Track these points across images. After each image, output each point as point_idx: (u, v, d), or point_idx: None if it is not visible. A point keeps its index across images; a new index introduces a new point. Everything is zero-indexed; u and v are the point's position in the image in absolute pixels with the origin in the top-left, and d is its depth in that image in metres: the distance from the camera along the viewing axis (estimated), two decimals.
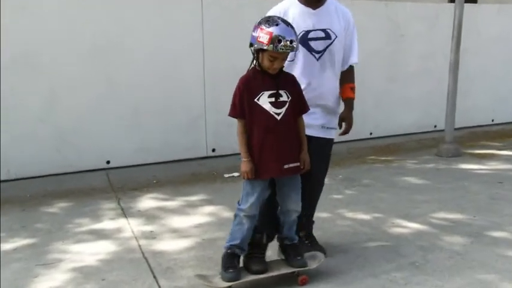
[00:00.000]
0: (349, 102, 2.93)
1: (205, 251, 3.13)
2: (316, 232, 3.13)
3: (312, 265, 2.69)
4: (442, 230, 3.39)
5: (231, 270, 2.55)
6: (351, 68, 2.94)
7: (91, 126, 5.23)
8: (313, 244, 2.97)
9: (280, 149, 2.52)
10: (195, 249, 3.18)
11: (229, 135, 5.74)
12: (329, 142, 2.93)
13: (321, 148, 2.85)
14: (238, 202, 2.60)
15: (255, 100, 2.49)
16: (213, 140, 5.77)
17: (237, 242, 2.59)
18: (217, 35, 5.61)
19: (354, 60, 2.92)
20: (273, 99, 2.49)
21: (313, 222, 3.07)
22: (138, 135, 5.45)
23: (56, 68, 5.00)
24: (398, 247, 3.11)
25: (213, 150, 5.81)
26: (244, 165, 2.52)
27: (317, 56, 2.77)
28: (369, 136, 6.72)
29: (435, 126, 7.11)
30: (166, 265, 2.94)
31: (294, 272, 2.66)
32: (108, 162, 5.36)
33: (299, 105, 2.59)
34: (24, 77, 4.90)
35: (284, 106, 2.51)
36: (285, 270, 2.64)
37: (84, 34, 5.07)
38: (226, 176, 4.99)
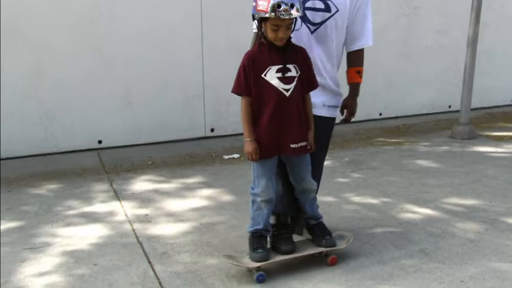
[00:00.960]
0: (354, 88, 2.87)
1: (203, 236, 3.15)
2: None
3: (341, 245, 2.73)
4: (454, 216, 3.40)
5: (260, 250, 2.58)
6: (360, 50, 2.85)
7: (81, 103, 5.21)
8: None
9: (289, 127, 2.52)
10: (192, 233, 3.20)
11: (228, 114, 5.75)
12: (331, 121, 2.91)
13: (323, 127, 2.84)
14: (251, 187, 2.63)
15: (262, 76, 2.48)
16: (212, 119, 5.76)
17: (260, 226, 2.63)
18: (217, 6, 5.54)
19: (365, 42, 2.81)
20: (280, 74, 2.48)
21: (317, 206, 3.07)
22: (132, 113, 5.44)
23: (42, 40, 4.96)
24: (408, 233, 3.13)
25: (212, 130, 5.80)
26: (248, 145, 2.53)
27: (312, 28, 2.69)
28: (379, 117, 6.69)
29: (450, 107, 7.08)
30: (161, 250, 2.96)
31: (322, 253, 2.71)
32: (99, 141, 5.36)
33: (308, 80, 2.58)
34: (7, 50, 4.86)
35: (293, 82, 2.51)
36: (313, 250, 2.70)
37: (72, 4, 5.00)
38: (225, 157, 5.00)
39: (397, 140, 5.64)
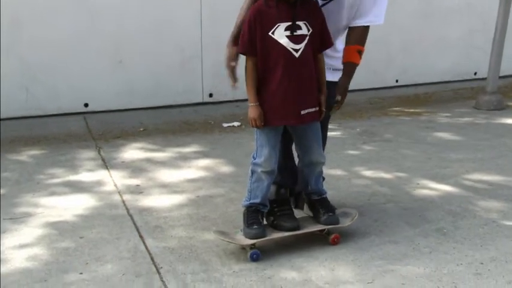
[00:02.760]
0: (349, 67, 2.69)
1: (200, 209, 3.17)
2: (329, 191, 3.10)
3: (345, 223, 2.74)
4: (476, 194, 3.40)
5: (255, 227, 2.58)
6: (366, 27, 2.70)
7: (66, 62, 5.17)
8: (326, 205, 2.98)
9: (299, 92, 2.50)
10: (187, 206, 3.21)
11: (229, 78, 5.69)
12: (335, 86, 2.85)
13: (329, 92, 2.80)
14: (253, 156, 2.62)
15: (270, 34, 2.44)
16: (210, 84, 5.73)
17: (257, 200, 2.63)
18: None
19: (373, 19, 2.65)
20: (289, 33, 2.43)
21: (322, 178, 3.07)
22: (122, 74, 5.40)
23: None
24: (424, 211, 3.13)
25: (210, 95, 5.78)
26: (253, 110, 2.51)
27: (321, 2, 2.63)
28: (395, 84, 6.63)
29: (475, 74, 7.01)
30: (154, 223, 2.98)
31: (323, 230, 2.72)
32: (86, 105, 5.34)
33: (321, 38, 2.54)
34: None
35: (304, 41, 2.46)
36: (315, 227, 2.71)
37: None
38: (225, 125, 4.99)
39: (415, 110, 5.60)
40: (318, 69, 2.58)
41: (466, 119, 5.27)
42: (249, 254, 2.54)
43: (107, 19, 5.23)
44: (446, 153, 4.22)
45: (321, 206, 2.74)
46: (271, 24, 2.44)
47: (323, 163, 2.72)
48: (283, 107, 2.50)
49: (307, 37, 2.48)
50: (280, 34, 2.44)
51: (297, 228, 2.66)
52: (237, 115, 5.24)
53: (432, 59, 6.79)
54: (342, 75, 2.75)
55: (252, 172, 2.63)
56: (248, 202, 2.65)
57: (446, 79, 6.92)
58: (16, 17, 4.92)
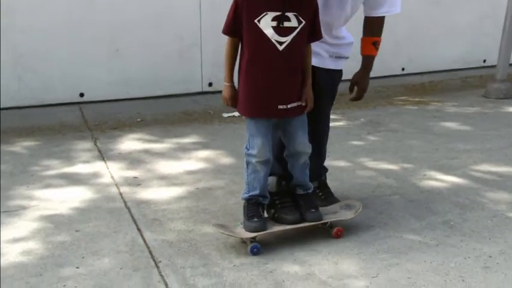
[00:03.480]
0: (367, 61, 2.80)
1: (199, 202, 3.17)
2: (332, 183, 3.14)
3: (348, 216, 2.73)
4: (484, 185, 3.39)
5: (255, 219, 2.58)
6: (381, 17, 2.76)
7: (61, 51, 5.16)
8: (327, 196, 2.99)
9: (279, 87, 2.48)
10: (186, 199, 3.22)
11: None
12: (339, 74, 2.87)
13: (330, 82, 2.80)
14: (246, 147, 2.62)
15: (255, 21, 2.40)
16: (210, 73, 5.72)
17: (256, 192, 2.62)
18: None
19: (388, 9, 2.71)
20: (276, 24, 2.39)
21: (325, 169, 3.08)
22: (119, 63, 5.40)
23: None
24: (430, 203, 3.13)
25: (210, 84, 5.77)
26: (226, 90, 2.55)
27: None
28: (401, 72, 6.63)
29: (484, 61, 7.00)
30: (152, 216, 2.98)
31: (326, 223, 2.72)
32: (81, 94, 5.34)
33: (310, 30, 2.50)
34: None
35: (291, 33, 2.42)
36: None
37: None
38: (225, 115, 4.98)
39: (422, 99, 5.59)
40: (304, 62, 2.54)
41: (475, 108, 5.26)
42: (249, 247, 2.55)
43: (103, 6, 5.21)
44: (453, 143, 4.21)
45: (304, 201, 2.70)
46: (258, 11, 2.39)
47: (308, 153, 2.68)
48: (260, 100, 2.49)
49: (296, 30, 2.42)
50: (266, 24, 2.39)
51: (299, 221, 2.66)
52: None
53: (440, 46, 6.77)
54: (361, 68, 2.80)
55: (247, 163, 2.62)
56: (248, 195, 2.64)
57: (454, 67, 6.91)
58: (9, 4, 4.90)
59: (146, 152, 4.05)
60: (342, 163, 3.76)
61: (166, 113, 5.05)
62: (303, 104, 2.56)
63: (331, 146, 2.85)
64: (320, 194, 2.99)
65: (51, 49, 5.13)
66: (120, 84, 5.44)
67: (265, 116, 2.54)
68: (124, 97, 5.46)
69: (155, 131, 4.54)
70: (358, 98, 2.89)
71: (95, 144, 4.20)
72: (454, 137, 4.37)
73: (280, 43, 2.42)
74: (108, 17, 5.25)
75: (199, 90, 5.75)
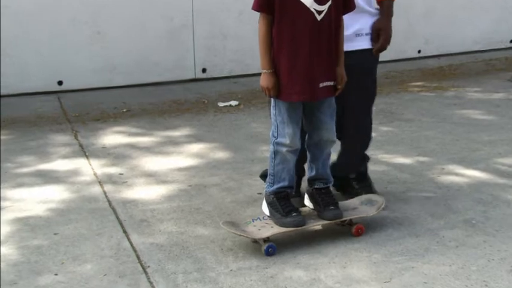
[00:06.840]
0: (386, 7, 2.86)
1: (192, 201, 3.18)
2: None
3: (369, 212, 2.75)
4: (510, 180, 3.40)
5: (294, 214, 2.60)
6: None
7: (36, 35, 5.18)
8: (367, 191, 3.04)
9: (319, 62, 2.49)
10: (178, 197, 3.22)
11: (225, 51, 5.69)
12: (371, 55, 2.89)
13: (359, 66, 2.81)
14: (273, 135, 2.63)
15: None
16: (203, 58, 5.73)
17: (285, 183, 2.65)
18: None
19: None
20: None
21: (368, 158, 3.17)
22: (102, 47, 5.41)
23: None
24: (449, 200, 3.13)
25: (203, 70, 5.78)
26: (266, 78, 2.51)
27: None
28: (417, 55, 6.65)
29: (511, 42, 6.99)
30: (140, 217, 2.99)
31: (345, 220, 2.74)
32: (60, 83, 5.37)
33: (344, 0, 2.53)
34: None
35: (328, 1, 2.44)
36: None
37: None
38: (220, 105, 4.99)
39: (440, 85, 5.59)
40: (338, 37, 2.56)
41: (499, 94, 5.26)
42: (264, 248, 2.55)
43: None
44: (475, 133, 4.21)
45: (322, 198, 2.72)
46: None
47: (334, 142, 2.72)
48: (301, 79, 2.49)
49: None
50: None
51: (339, 216, 2.69)
52: (234, 93, 5.24)
53: (459, 26, 6.77)
54: (381, 16, 2.85)
55: (275, 153, 2.63)
56: (275, 187, 2.65)
57: (476, 49, 6.92)
58: None
59: (132, 146, 4.06)
60: None
61: (154, 102, 5.06)
62: (337, 86, 2.58)
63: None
64: (357, 187, 3.10)
65: (26, 32, 5.14)
66: (103, 70, 5.45)
67: (304, 98, 2.54)
68: (107, 85, 5.48)
69: (142, 123, 4.55)
70: (383, 48, 2.90)
71: (75, 138, 4.21)
72: (476, 127, 4.37)
73: (319, 12, 2.43)
74: None
75: (192, 77, 5.76)
